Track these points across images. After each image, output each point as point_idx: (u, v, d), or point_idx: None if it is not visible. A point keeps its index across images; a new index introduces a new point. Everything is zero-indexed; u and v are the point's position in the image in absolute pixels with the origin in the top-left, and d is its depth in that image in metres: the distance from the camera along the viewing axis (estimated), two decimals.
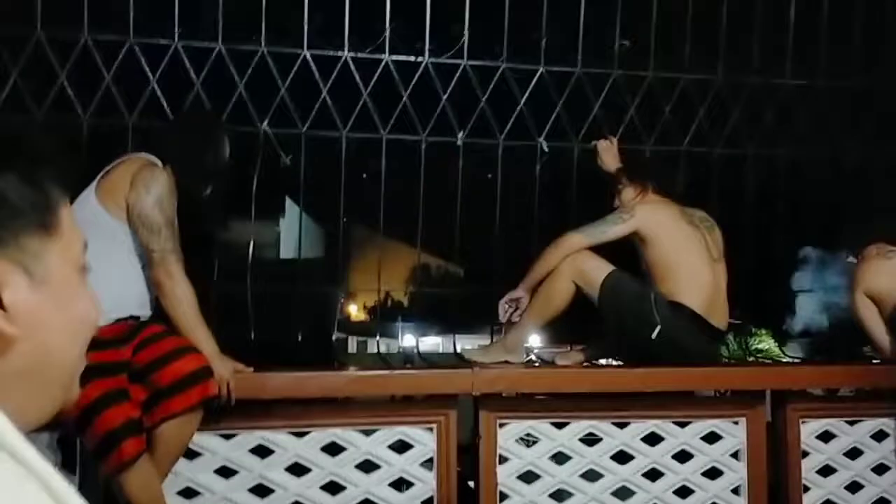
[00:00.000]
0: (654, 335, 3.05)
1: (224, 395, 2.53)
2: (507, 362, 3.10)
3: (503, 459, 2.94)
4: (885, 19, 3.78)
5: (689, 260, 3.16)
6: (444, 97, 3.34)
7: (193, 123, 2.93)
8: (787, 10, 3.64)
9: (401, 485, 2.88)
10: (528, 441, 3.00)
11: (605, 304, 3.09)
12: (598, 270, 3.10)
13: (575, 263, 3.11)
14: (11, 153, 0.66)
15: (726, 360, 3.99)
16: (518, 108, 3.42)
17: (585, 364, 3.35)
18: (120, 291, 2.50)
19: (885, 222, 3.28)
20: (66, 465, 2.61)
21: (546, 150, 3.47)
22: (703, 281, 3.16)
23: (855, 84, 3.77)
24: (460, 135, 3.40)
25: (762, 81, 3.67)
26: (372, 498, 2.84)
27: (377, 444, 2.85)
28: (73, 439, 2.52)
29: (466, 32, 3.32)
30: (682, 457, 3.07)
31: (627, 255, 3.21)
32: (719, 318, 3.24)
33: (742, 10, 3.64)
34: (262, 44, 3.15)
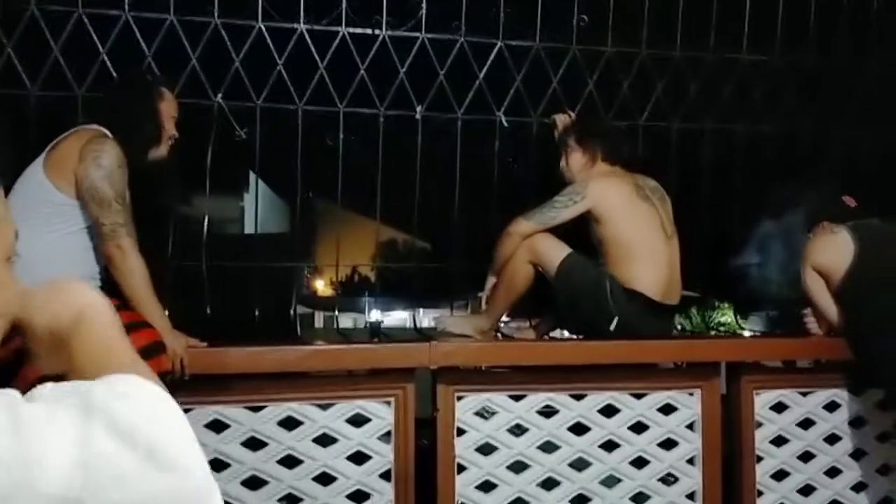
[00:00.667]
0: (612, 327, 3.08)
1: (178, 370, 2.51)
2: (467, 337, 3.13)
3: (461, 432, 2.96)
4: None
5: (645, 239, 3.17)
6: (402, 71, 3.32)
7: (125, 87, 2.86)
8: None
9: (359, 458, 2.89)
10: (486, 414, 3.02)
11: (561, 288, 3.12)
12: (554, 253, 3.11)
13: (531, 245, 3.13)
14: None
15: (688, 333, 4.04)
16: (477, 82, 3.41)
17: (545, 338, 3.39)
18: (67, 266, 2.47)
19: (833, 199, 3.33)
20: None
21: (505, 124, 3.47)
22: (660, 261, 3.19)
23: (810, 61, 3.81)
24: (419, 109, 3.38)
25: (719, 57, 3.69)
26: (329, 471, 2.84)
27: (334, 418, 2.85)
28: None
29: (424, 5, 3.29)
30: (639, 428, 3.11)
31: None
32: (674, 295, 3.29)
33: None
34: (216, 15, 3.09)
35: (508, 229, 3.15)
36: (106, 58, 2.98)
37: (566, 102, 3.52)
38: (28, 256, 2.33)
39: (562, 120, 3.46)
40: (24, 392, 2.03)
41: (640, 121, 3.68)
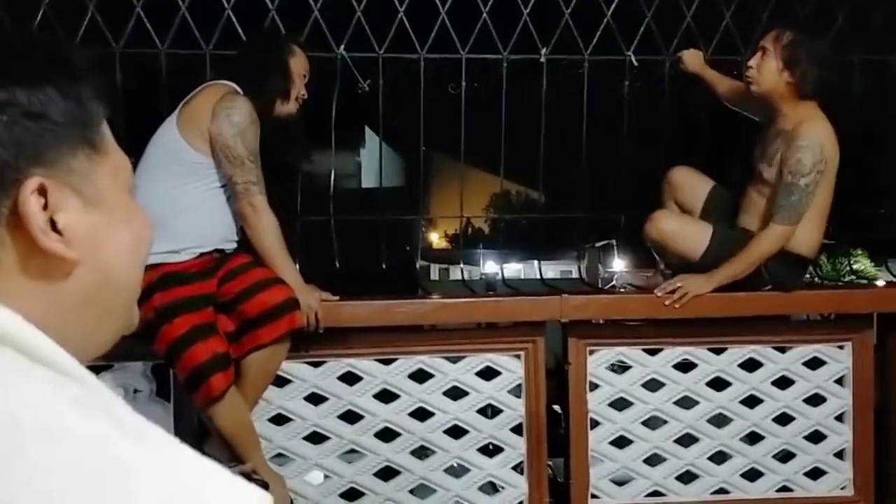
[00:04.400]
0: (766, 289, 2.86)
1: (311, 325, 2.52)
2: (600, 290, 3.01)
3: (593, 386, 2.88)
4: None
5: (827, 200, 2.84)
6: (526, 12, 3.17)
7: (256, 41, 2.84)
8: None
9: (490, 412, 2.86)
10: (618, 368, 2.93)
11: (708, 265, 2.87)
12: (693, 244, 2.86)
13: (662, 237, 2.89)
14: (48, 66, 0.62)
15: (820, 281, 3.79)
16: (605, 20, 3.22)
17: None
18: (205, 226, 2.50)
19: None
20: (161, 392, 2.66)
21: (636, 64, 3.27)
22: (825, 215, 2.90)
23: None
24: (543, 51, 3.23)
25: None
26: (461, 424, 2.83)
27: (464, 372, 2.82)
28: (167, 368, 2.56)
29: None
30: (783, 383, 2.95)
31: None
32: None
33: None
34: None
35: (779, 244, 2.79)
36: (231, 14, 2.98)
37: (701, 39, 3.29)
38: (163, 213, 2.39)
39: (689, 52, 3.21)
40: (163, 350, 2.06)
41: None
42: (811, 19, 3.29)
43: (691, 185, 3.11)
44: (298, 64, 2.65)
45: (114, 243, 0.64)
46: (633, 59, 3.25)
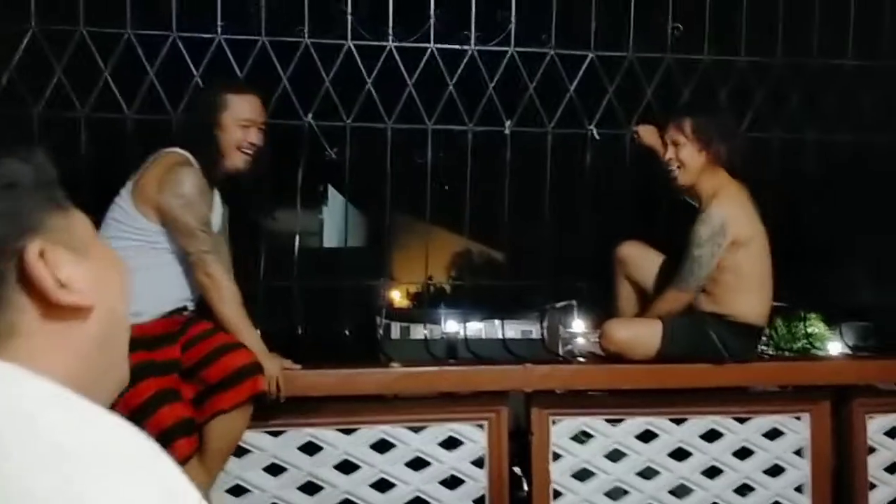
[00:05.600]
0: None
1: (273, 393, 2.50)
2: (563, 360, 3.03)
3: (556, 456, 2.88)
4: None
5: (760, 267, 2.92)
6: (491, 85, 3.25)
7: (190, 105, 2.84)
8: None
9: (452, 483, 2.83)
10: (581, 438, 2.93)
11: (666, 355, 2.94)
12: (645, 342, 2.89)
13: (612, 339, 2.90)
14: (6, 136, 0.67)
15: (776, 344, 3.86)
16: (567, 95, 3.31)
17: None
18: (164, 287, 2.50)
19: None
20: None
21: (597, 137, 3.35)
22: (769, 285, 2.97)
23: None
24: (508, 123, 3.30)
25: (823, 63, 3.50)
26: (423, 496, 2.79)
27: (427, 442, 2.80)
28: None
29: (513, 19, 3.21)
30: (743, 454, 2.98)
31: None
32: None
33: None
34: (306, 36, 3.08)
35: (674, 306, 2.92)
36: (199, 80, 2.99)
37: (660, 113, 3.38)
38: None
39: (645, 130, 3.30)
40: (157, 435, 2.04)
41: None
42: (765, 101, 3.42)
43: (641, 260, 3.17)
44: (236, 112, 2.57)
45: (110, 283, 0.69)
46: (594, 132, 3.33)
